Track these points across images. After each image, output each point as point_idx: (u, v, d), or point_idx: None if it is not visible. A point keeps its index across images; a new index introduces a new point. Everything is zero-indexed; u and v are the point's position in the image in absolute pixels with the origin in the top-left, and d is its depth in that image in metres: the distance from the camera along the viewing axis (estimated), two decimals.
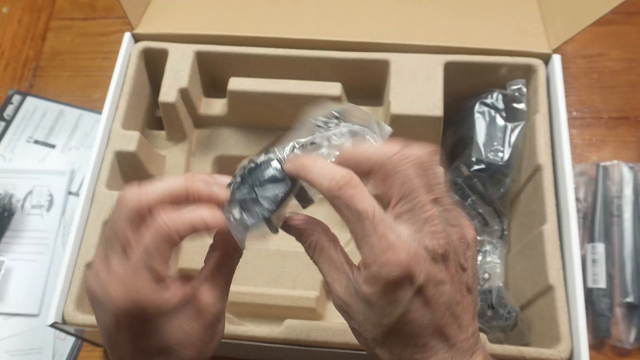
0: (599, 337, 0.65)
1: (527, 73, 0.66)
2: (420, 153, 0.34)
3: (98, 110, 0.83)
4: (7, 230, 0.74)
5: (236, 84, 0.65)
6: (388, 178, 0.34)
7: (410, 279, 0.32)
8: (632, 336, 0.65)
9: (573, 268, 0.54)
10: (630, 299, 0.66)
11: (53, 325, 0.55)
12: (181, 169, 0.67)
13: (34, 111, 0.83)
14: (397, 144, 0.35)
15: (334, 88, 0.63)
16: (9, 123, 0.82)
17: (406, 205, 0.33)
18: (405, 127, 0.63)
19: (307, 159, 0.36)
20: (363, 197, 0.33)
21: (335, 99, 0.63)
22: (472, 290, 0.35)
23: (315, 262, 0.38)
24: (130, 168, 0.64)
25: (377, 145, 0.37)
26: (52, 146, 0.81)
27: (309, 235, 0.38)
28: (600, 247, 0.68)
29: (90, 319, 0.55)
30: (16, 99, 0.84)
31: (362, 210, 0.33)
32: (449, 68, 0.65)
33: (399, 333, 0.34)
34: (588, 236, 0.70)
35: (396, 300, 0.33)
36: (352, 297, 0.35)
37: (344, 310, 0.36)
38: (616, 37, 0.83)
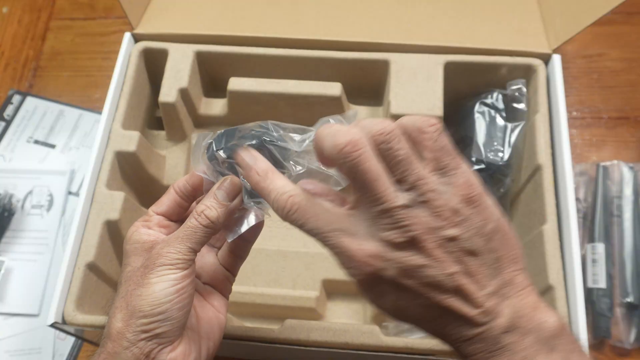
0: (599, 337, 0.65)
1: (527, 73, 0.66)
2: (372, 129, 0.33)
3: (98, 110, 0.83)
4: (7, 230, 0.74)
5: (236, 84, 0.65)
6: (345, 174, 0.34)
7: (380, 275, 0.33)
8: (632, 336, 0.64)
9: (573, 268, 0.54)
10: (630, 299, 0.66)
11: (53, 326, 0.55)
12: (181, 169, 0.67)
13: (34, 111, 0.83)
14: (348, 129, 0.33)
15: (334, 88, 0.63)
16: (9, 123, 0.82)
17: (362, 199, 0.33)
18: None
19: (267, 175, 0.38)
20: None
21: (335, 99, 0.63)
22: (476, 252, 0.33)
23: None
24: (130, 168, 0.64)
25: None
26: (52, 146, 0.81)
27: None
28: (600, 247, 0.68)
29: (90, 319, 0.55)
30: (16, 99, 0.84)
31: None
32: (449, 68, 0.65)
33: (405, 314, 0.34)
34: (588, 236, 0.70)
35: (379, 294, 0.34)
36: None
37: None
38: (616, 37, 0.83)
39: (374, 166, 0.32)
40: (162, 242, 0.40)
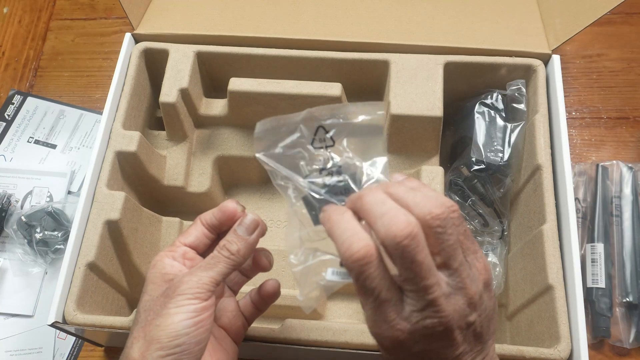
0: (598, 337, 0.65)
1: (526, 73, 0.66)
2: (430, 212, 0.33)
3: (98, 110, 0.83)
4: (4, 230, 0.74)
5: (236, 84, 0.65)
6: (394, 259, 0.34)
7: (407, 347, 0.34)
8: (632, 336, 0.65)
9: (572, 268, 0.54)
10: (629, 299, 0.66)
11: (53, 325, 0.55)
12: (182, 169, 0.67)
13: (35, 111, 0.83)
14: (405, 214, 0.33)
15: (334, 88, 0.63)
16: (9, 123, 0.82)
17: (409, 285, 0.33)
18: (405, 128, 0.63)
19: (334, 214, 0.36)
20: (373, 276, 0.33)
21: (335, 100, 0.63)
22: (482, 335, 0.36)
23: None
24: (130, 168, 0.64)
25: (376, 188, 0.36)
26: (53, 146, 0.81)
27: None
28: (599, 247, 0.68)
29: (90, 318, 0.55)
30: (17, 99, 0.84)
31: (370, 289, 0.34)
32: (448, 68, 0.65)
33: None
34: (587, 236, 0.70)
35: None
36: None
37: None
38: (616, 37, 0.83)
39: (428, 258, 0.33)
40: (186, 272, 0.41)
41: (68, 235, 0.58)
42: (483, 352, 0.36)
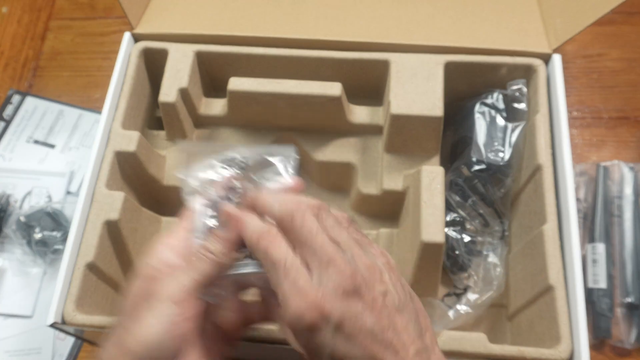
0: (599, 337, 0.65)
1: (527, 73, 0.66)
2: (311, 202, 0.37)
3: (98, 110, 0.83)
4: (3, 231, 0.74)
5: (236, 84, 0.64)
6: (289, 231, 0.36)
7: (326, 320, 0.33)
8: (633, 336, 0.65)
9: (573, 268, 0.54)
10: (630, 299, 0.66)
11: (53, 326, 0.55)
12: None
13: (34, 111, 0.83)
14: (288, 198, 0.38)
15: (334, 88, 0.63)
16: (8, 123, 0.82)
17: (308, 251, 0.35)
18: (405, 128, 0.63)
19: (238, 214, 0.39)
20: (277, 246, 0.35)
21: (335, 99, 0.63)
22: (403, 310, 0.35)
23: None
24: (130, 168, 0.64)
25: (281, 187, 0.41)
26: (52, 146, 0.80)
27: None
28: (600, 247, 0.68)
29: (89, 319, 0.55)
30: (16, 98, 0.84)
31: (275, 258, 0.35)
32: (449, 68, 0.65)
33: None
34: (588, 236, 0.70)
35: (318, 343, 0.33)
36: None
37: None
38: (616, 37, 0.83)
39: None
40: (166, 272, 0.37)
41: (67, 236, 0.57)
42: (421, 340, 0.35)
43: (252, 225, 0.37)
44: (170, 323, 0.35)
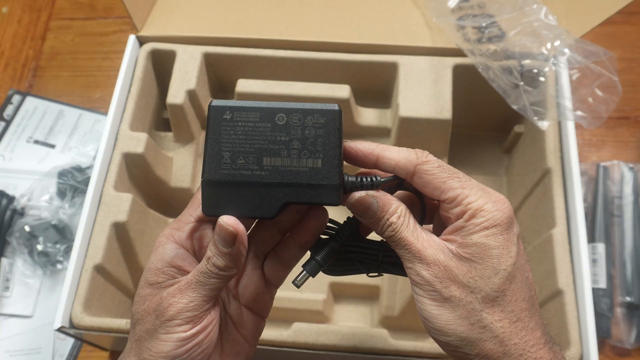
0: (599, 337, 0.65)
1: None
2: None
3: (98, 110, 0.82)
4: (4, 231, 0.73)
5: (244, 85, 0.64)
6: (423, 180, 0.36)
7: (513, 225, 0.36)
8: (633, 336, 0.65)
9: (582, 272, 0.55)
10: (630, 299, 0.66)
11: (60, 330, 0.54)
12: (188, 171, 0.67)
13: (34, 111, 0.82)
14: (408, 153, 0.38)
15: (343, 90, 0.63)
16: (8, 123, 0.81)
17: (467, 184, 0.36)
18: (414, 130, 0.63)
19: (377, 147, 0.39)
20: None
21: (344, 102, 0.63)
22: None
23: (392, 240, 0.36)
24: (137, 169, 0.63)
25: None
26: (52, 146, 0.80)
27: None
28: (600, 247, 0.68)
29: (97, 321, 0.54)
30: (16, 98, 0.83)
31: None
32: (457, 71, 0.65)
33: (515, 280, 0.36)
34: (588, 236, 0.70)
35: (510, 239, 0.35)
36: (452, 260, 0.35)
37: (444, 278, 0.35)
38: (616, 37, 0.84)
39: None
40: (175, 288, 0.36)
41: (70, 250, 0.56)
42: None
43: (402, 153, 0.38)
44: (186, 342, 0.35)
